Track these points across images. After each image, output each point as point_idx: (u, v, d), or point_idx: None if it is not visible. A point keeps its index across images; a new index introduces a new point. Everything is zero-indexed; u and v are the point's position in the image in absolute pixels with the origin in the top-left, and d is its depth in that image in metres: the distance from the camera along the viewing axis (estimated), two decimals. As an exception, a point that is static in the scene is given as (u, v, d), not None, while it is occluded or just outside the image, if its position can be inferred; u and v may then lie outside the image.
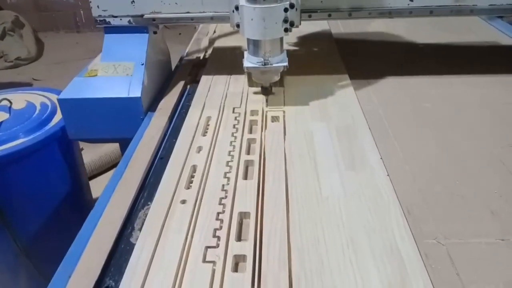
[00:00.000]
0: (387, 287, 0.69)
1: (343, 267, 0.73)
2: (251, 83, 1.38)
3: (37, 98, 1.57)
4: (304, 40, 1.83)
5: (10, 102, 1.52)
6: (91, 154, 2.67)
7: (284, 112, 1.24)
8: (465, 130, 1.16)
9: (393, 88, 1.42)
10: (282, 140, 1.10)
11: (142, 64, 1.36)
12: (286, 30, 1.16)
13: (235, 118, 1.21)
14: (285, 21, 1.15)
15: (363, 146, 1.06)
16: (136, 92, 1.29)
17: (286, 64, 1.22)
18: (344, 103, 1.28)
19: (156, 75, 1.47)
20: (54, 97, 1.59)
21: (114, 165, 2.69)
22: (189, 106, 1.32)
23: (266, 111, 1.24)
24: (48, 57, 5.11)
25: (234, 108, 1.26)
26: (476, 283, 0.71)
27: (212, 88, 1.40)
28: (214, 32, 2.06)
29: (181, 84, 1.49)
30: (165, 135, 1.23)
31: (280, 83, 1.37)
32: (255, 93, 1.35)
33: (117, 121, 1.31)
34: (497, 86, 1.40)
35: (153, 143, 1.16)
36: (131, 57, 1.37)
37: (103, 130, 1.33)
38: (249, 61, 1.23)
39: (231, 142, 1.10)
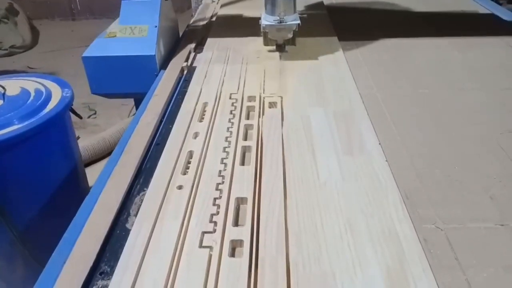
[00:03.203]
0: (386, 271, 0.68)
1: (341, 251, 0.72)
2: (266, 42, 1.52)
3: (31, 85, 1.54)
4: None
5: (4, 89, 1.49)
6: (87, 140, 2.66)
7: (281, 98, 1.22)
8: (464, 115, 1.15)
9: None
10: (280, 126, 1.09)
11: (156, 27, 1.52)
12: None
13: (232, 104, 1.20)
14: None
15: (361, 131, 1.05)
16: (151, 51, 1.47)
17: (298, 22, 1.38)
18: (342, 88, 1.27)
19: (167, 38, 1.65)
20: (48, 83, 1.56)
21: (110, 153, 2.68)
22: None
23: (264, 97, 1.23)
24: (43, 45, 5.05)
25: (231, 94, 1.25)
26: (475, 267, 0.71)
27: (209, 75, 1.39)
28: (212, 17, 2.06)
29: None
30: (161, 121, 1.21)
31: (292, 41, 1.49)
32: (253, 74, 1.37)
33: (134, 76, 1.48)
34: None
35: (149, 129, 1.15)
36: (145, 20, 1.54)
37: (121, 85, 1.50)
38: (266, 20, 1.38)
39: (228, 128, 1.09)
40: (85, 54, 1.47)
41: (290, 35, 1.43)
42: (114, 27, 1.57)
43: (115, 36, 1.52)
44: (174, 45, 1.72)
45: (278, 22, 1.36)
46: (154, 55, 1.46)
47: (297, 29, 1.40)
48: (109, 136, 2.69)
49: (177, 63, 1.53)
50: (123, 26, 1.54)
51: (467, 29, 1.73)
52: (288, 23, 1.37)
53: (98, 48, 1.49)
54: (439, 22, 1.88)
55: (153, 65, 1.47)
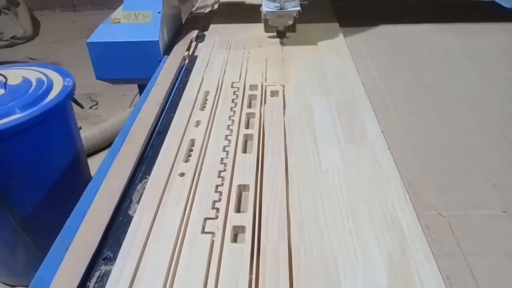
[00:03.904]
0: (387, 257, 0.68)
1: (342, 238, 0.72)
2: (267, 29, 1.55)
3: (33, 74, 1.54)
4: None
5: (6, 78, 1.49)
6: (89, 131, 2.66)
7: (283, 86, 1.22)
8: (467, 104, 1.15)
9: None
10: (282, 114, 1.09)
11: (159, 13, 1.54)
12: None
13: (234, 93, 1.19)
14: None
15: (363, 119, 1.05)
16: (154, 36, 1.48)
17: (299, 8, 1.39)
18: (344, 77, 1.26)
19: (170, 24, 1.66)
20: (50, 73, 1.56)
21: (111, 143, 2.68)
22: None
23: (266, 86, 1.22)
24: (44, 36, 5.03)
25: (232, 83, 1.25)
26: (477, 254, 0.71)
27: (211, 64, 1.38)
28: (214, 4, 2.06)
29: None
30: (162, 110, 1.21)
31: (293, 28, 1.52)
32: (255, 63, 1.37)
33: (137, 62, 1.49)
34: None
35: (151, 118, 1.15)
36: (149, 6, 1.55)
37: (125, 70, 1.51)
38: (266, 6, 1.40)
39: (229, 116, 1.08)
40: (90, 40, 1.48)
41: (290, 22, 1.45)
42: (118, 13, 1.58)
43: (119, 22, 1.53)
44: (177, 32, 1.73)
45: (278, 9, 1.38)
46: (158, 40, 1.47)
47: (297, 16, 1.42)
48: (111, 127, 2.69)
49: (180, 49, 1.53)
50: (127, 12, 1.55)
51: (468, 17, 1.72)
52: (288, 9, 1.38)
53: (102, 34, 1.50)
54: (440, 9, 1.88)
55: (156, 51, 1.49)
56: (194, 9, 2.04)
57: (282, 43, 1.49)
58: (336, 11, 1.83)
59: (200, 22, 1.81)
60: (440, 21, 1.68)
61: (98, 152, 2.66)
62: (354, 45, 1.50)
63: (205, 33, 1.68)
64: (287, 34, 1.53)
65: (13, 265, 1.65)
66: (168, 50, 1.55)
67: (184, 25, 1.83)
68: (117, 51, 1.47)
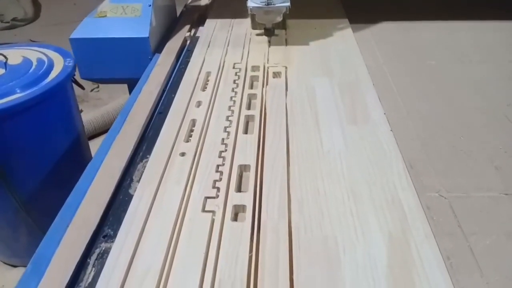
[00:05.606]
0: (387, 236, 0.68)
1: (343, 217, 0.72)
2: (254, 25, 1.41)
3: (33, 54, 1.53)
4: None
5: (6, 58, 1.48)
6: (91, 113, 2.65)
7: (286, 68, 1.21)
8: (471, 87, 1.14)
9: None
10: (284, 95, 1.08)
11: (150, 6, 1.39)
12: None
13: (236, 74, 1.18)
14: None
15: (366, 101, 1.04)
16: (144, 33, 1.34)
17: (288, 4, 1.25)
18: (348, 60, 1.25)
19: (162, 18, 1.52)
20: (50, 53, 1.54)
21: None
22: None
23: (268, 67, 1.21)
24: (46, 18, 4.99)
25: (234, 64, 1.24)
26: (477, 234, 0.71)
27: (212, 45, 1.37)
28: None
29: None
30: (163, 90, 1.20)
31: (283, 25, 1.39)
32: (258, 44, 1.34)
33: (126, 60, 1.36)
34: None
35: (152, 98, 1.14)
36: None
37: (112, 69, 1.38)
38: (253, 1, 1.27)
39: (231, 97, 1.08)
40: (73, 35, 1.35)
41: (279, 19, 1.32)
42: (105, 5, 1.44)
43: (106, 15, 1.39)
44: (170, 26, 1.60)
45: (265, 4, 1.25)
46: (148, 37, 1.34)
47: (287, 12, 1.28)
48: (113, 110, 2.68)
49: (173, 46, 1.41)
50: (114, 5, 1.42)
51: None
52: (276, 5, 1.25)
53: (86, 29, 1.37)
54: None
55: (146, 48, 1.35)
56: (189, 0, 1.88)
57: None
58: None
59: (196, 15, 1.68)
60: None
61: (100, 135, 2.65)
62: (361, 32, 1.47)
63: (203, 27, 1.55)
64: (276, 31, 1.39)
65: (15, 245, 1.66)
66: (159, 47, 1.41)
67: (179, 19, 1.68)
68: (103, 48, 1.34)
